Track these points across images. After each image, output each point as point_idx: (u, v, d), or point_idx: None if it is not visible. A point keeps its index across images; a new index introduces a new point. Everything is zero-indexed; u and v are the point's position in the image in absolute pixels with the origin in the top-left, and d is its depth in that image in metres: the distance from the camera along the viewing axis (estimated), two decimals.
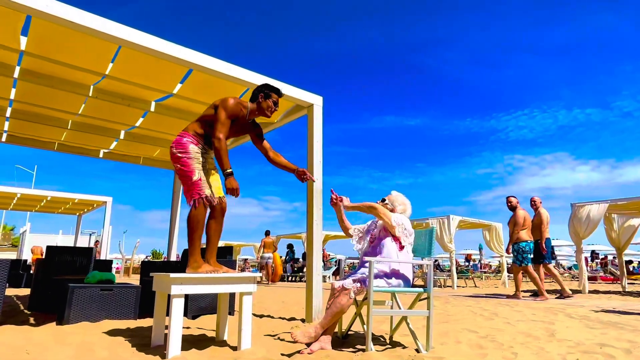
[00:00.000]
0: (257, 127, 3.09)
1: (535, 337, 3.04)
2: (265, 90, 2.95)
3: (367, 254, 2.81)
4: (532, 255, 6.76)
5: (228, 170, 2.59)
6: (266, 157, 3.09)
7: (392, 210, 2.90)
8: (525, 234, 6.80)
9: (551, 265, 7.07)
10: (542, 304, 5.62)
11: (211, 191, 2.65)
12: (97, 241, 15.08)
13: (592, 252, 20.34)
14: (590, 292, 8.57)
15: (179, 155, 2.65)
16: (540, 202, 7.23)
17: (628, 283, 10.23)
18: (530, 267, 6.70)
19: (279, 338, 2.95)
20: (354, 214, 2.96)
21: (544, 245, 6.93)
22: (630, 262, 16.12)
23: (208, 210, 2.68)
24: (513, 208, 7.09)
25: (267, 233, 13.14)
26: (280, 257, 16.60)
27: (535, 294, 7.13)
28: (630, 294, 8.05)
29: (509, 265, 10.60)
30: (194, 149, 2.68)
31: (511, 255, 7.05)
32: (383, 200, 2.99)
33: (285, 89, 4.11)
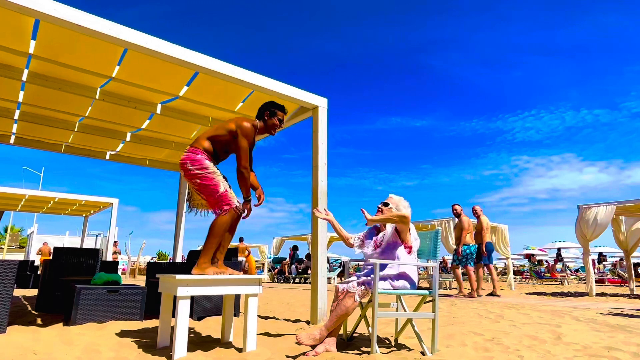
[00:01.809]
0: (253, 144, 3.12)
1: (542, 340, 3.01)
2: (271, 109, 2.97)
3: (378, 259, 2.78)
4: (474, 257, 7.55)
5: (249, 198, 2.80)
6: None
7: None
8: (469, 238, 7.58)
9: (491, 266, 7.91)
10: (549, 307, 5.58)
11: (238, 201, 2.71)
12: (115, 241, 15.53)
13: (600, 254, 20.15)
14: (597, 294, 8.49)
15: (197, 172, 2.63)
16: (481, 210, 8.00)
17: (636, 286, 10.11)
18: (470, 267, 7.45)
19: (284, 340, 2.95)
20: (348, 219, 2.93)
21: (484, 248, 7.69)
22: (639, 264, 15.92)
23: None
24: (458, 215, 7.84)
25: (241, 239, 14.52)
26: (284, 258, 17.01)
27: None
28: (638, 297, 7.96)
29: (515, 268, 10.62)
30: (211, 164, 2.69)
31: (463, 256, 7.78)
32: (386, 204, 2.91)
33: (290, 91, 4.12)
